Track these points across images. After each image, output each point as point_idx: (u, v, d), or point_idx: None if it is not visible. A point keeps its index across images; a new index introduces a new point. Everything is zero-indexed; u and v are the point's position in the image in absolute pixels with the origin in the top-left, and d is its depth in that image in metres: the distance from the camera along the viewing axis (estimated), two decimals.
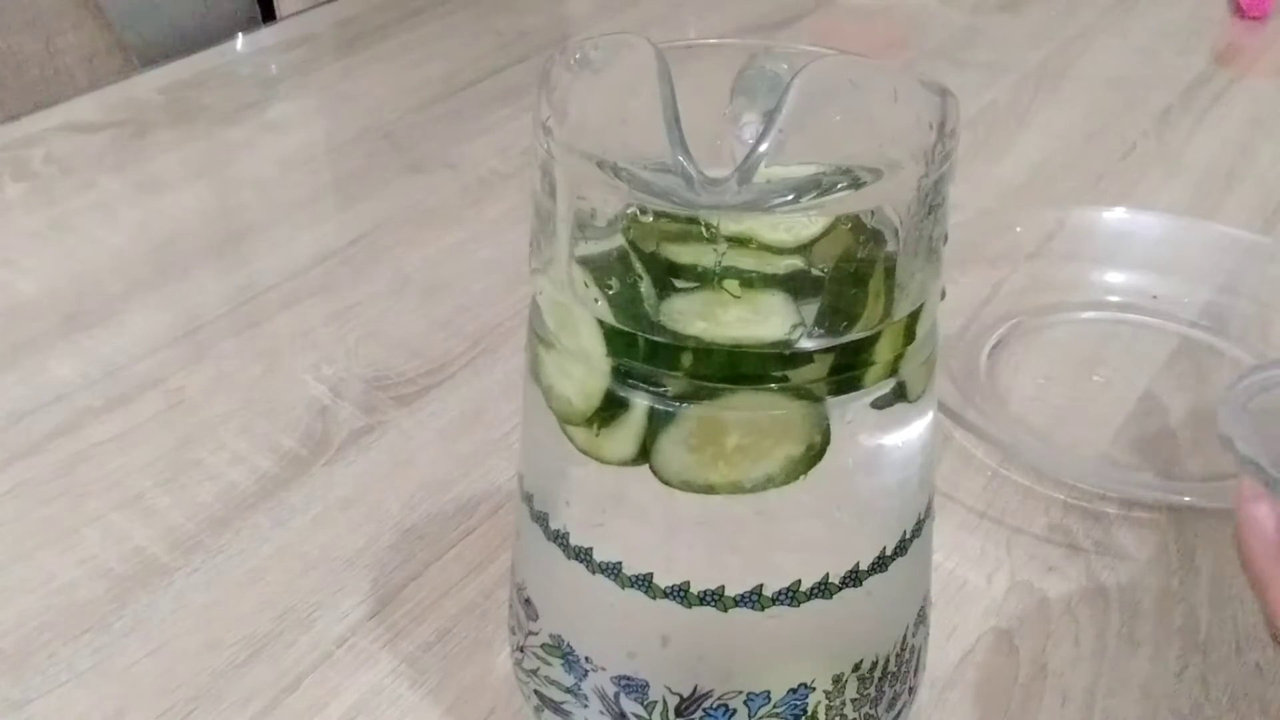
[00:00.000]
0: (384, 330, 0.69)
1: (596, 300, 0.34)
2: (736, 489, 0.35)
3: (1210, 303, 0.69)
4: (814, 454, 0.35)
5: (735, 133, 0.36)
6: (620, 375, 0.34)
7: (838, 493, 0.36)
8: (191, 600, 0.52)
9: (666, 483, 0.35)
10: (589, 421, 0.36)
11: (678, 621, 0.37)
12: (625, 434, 0.35)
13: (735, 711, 0.38)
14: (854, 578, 0.37)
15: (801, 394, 0.34)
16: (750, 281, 0.33)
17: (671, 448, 0.34)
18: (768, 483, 0.35)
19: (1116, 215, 0.74)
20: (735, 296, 0.33)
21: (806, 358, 0.33)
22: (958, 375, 0.63)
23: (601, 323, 0.34)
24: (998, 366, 0.65)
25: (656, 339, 0.33)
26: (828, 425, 0.35)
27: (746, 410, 0.34)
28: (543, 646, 0.40)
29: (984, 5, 1.13)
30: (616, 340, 0.34)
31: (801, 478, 0.35)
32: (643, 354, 0.34)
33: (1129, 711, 0.47)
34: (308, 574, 0.53)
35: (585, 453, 0.36)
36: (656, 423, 0.34)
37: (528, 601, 0.41)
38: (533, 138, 0.34)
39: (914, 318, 0.35)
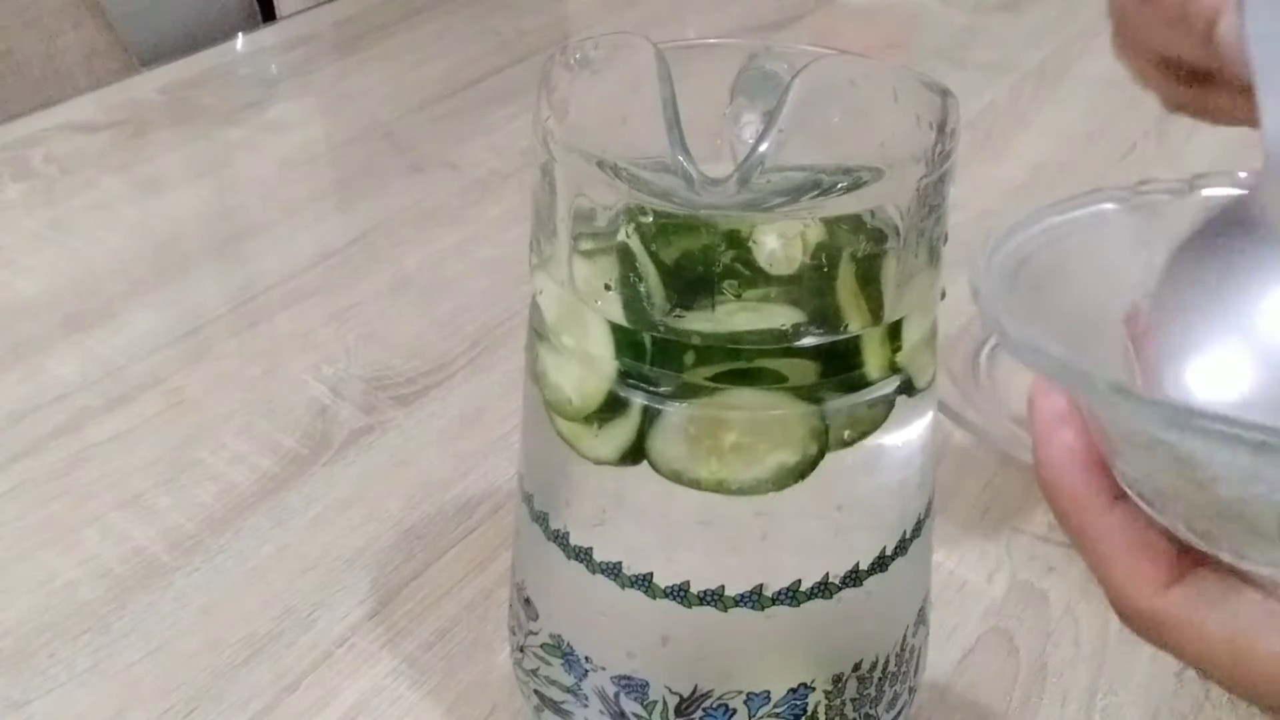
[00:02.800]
0: (384, 330, 0.69)
1: (598, 300, 0.34)
2: (722, 488, 0.35)
3: None
4: (807, 464, 0.35)
5: (735, 133, 0.36)
6: (621, 375, 0.34)
7: (838, 493, 0.36)
8: (191, 600, 0.52)
9: (657, 470, 0.35)
10: (588, 420, 0.36)
11: (678, 621, 0.37)
12: (622, 433, 0.35)
13: (735, 711, 0.38)
14: (854, 578, 0.37)
15: (802, 394, 0.34)
16: (751, 280, 0.33)
17: (669, 437, 0.34)
18: (756, 487, 0.35)
19: None
20: (736, 296, 0.33)
21: (808, 355, 0.33)
22: (958, 375, 0.63)
23: (608, 323, 0.34)
24: (998, 366, 0.65)
25: (658, 337, 0.33)
26: (826, 432, 0.34)
27: (748, 409, 0.34)
28: (543, 646, 0.40)
29: (984, 5, 1.13)
30: (621, 339, 0.34)
31: (791, 486, 0.35)
32: (646, 352, 0.34)
33: (1129, 711, 0.47)
34: (308, 574, 0.53)
35: (583, 455, 0.36)
36: (654, 421, 0.34)
37: (528, 601, 0.41)
38: (533, 138, 0.35)
39: (914, 317, 0.35)
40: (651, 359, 0.34)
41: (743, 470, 0.34)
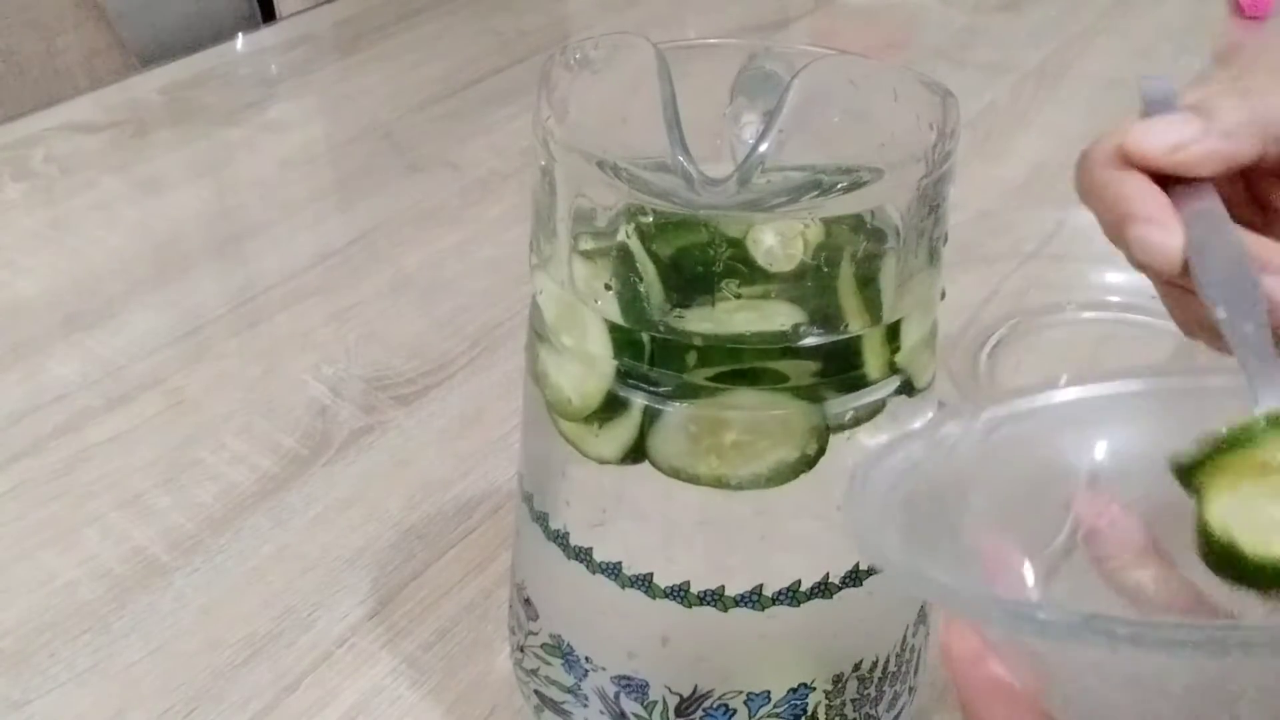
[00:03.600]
0: (384, 330, 0.69)
1: (597, 300, 0.34)
2: (721, 484, 0.35)
3: None
4: (806, 462, 0.35)
5: (735, 133, 0.36)
6: (621, 375, 0.34)
7: (837, 492, 0.36)
8: (191, 600, 0.52)
9: (657, 466, 0.35)
10: (589, 420, 0.36)
11: (678, 621, 0.37)
12: (623, 433, 0.35)
13: (735, 711, 0.38)
14: (854, 578, 0.37)
15: (802, 394, 0.34)
16: (750, 280, 0.33)
17: (669, 435, 0.34)
18: (754, 482, 0.35)
19: None
20: (735, 296, 0.33)
21: (808, 355, 0.33)
22: (958, 375, 0.63)
23: (608, 323, 0.34)
24: (998, 366, 0.65)
25: (658, 337, 0.33)
26: (826, 431, 0.34)
27: (748, 409, 0.34)
28: (543, 646, 0.40)
29: (984, 5, 1.12)
30: (620, 339, 0.34)
31: (790, 481, 0.35)
32: (646, 352, 0.34)
33: None
34: (308, 574, 0.53)
35: (585, 454, 0.36)
36: (654, 419, 0.34)
37: (528, 601, 0.41)
38: (533, 138, 0.35)
39: (914, 317, 0.35)
40: (651, 359, 0.34)
41: (742, 466, 0.34)
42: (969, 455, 0.32)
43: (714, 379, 0.34)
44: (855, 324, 0.34)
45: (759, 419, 0.34)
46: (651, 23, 1.09)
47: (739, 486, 0.35)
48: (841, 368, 0.34)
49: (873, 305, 0.34)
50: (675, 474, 0.35)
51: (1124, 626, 0.22)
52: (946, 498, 0.31)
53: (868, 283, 0.34)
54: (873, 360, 0.35)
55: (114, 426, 0.62)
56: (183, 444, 0.60)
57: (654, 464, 0.35)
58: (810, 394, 0.34)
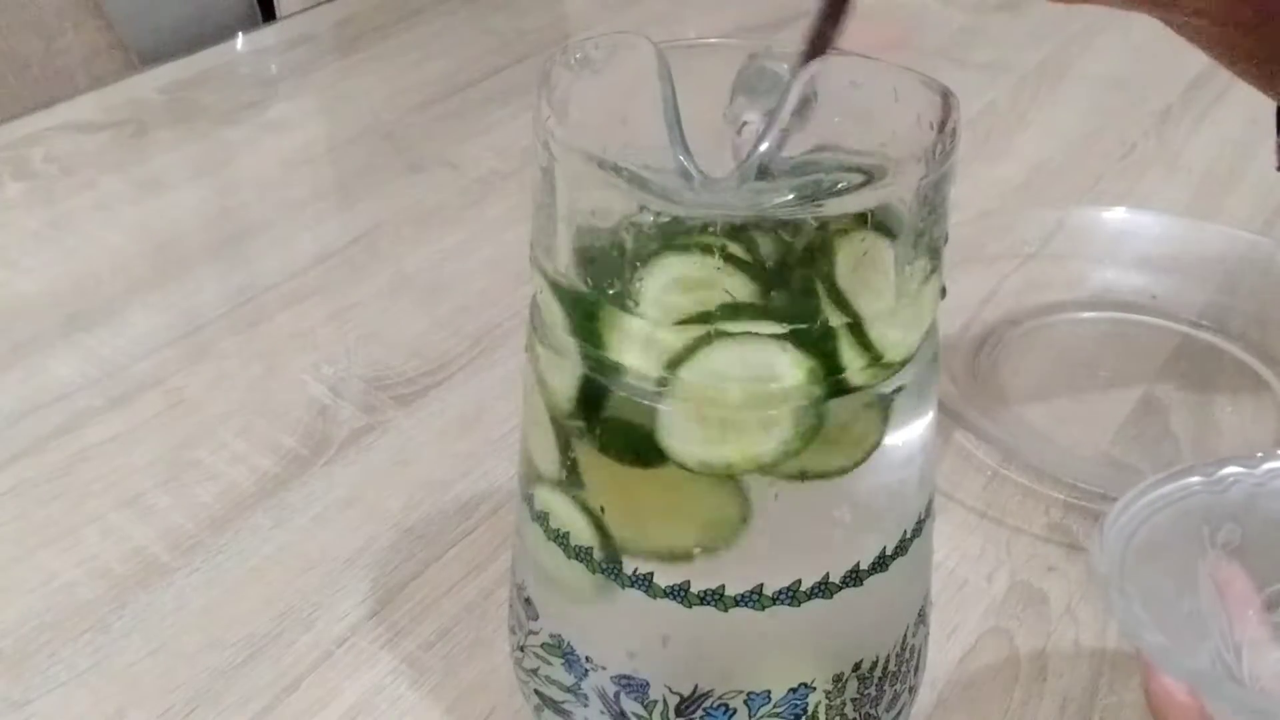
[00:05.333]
0: (384, 330, 0.69)
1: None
2: (755, 464, 0.34)
3: (1210, 303, 0.69)
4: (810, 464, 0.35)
5: (735, 133, 0.36)
6: (618, 375, 0.34)
7: (838, 493, 0.36)
8: (191, 600, 0.52)
9: (684, 467, 0.34)
10: (588, 421, 0.35)
11: (678, 621, 0.37)
12: (623, 435, 0.35)
13: (735, 711, 0.38)
14: (854, 578, 0.37)
15: (802, 393, 0.34)
16: (750, 279, 0.33)
17: (676, 433, 0.34)
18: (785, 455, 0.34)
19: (1116, 215, 0.75)
20: (735, 296, 0.33)
21: (807, 354, 0.33)
22: (958, 375, 0.63)
23: (607, 323, 0.34)
24: (998, 366, 0.65)
25: (657, 336, 0.33)
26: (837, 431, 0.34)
27: (747, 409, 0.34)
28: (543, 646, 0.40)
29: (984, 5, 1.12)
30: (619, 339, 0.34)
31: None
32: (645, 352, 0.34)
33: (1129, 712, 0.47)
34: (308, 574, 0.53)
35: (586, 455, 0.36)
36: (656, 419, 0.34)
37: (528, 601, 0.41)
38: (533, 138, 0.35)
39: (914, 317, 0.35)
40: (650, 358, 0.34)
41: (763, 440, 0.34)
42: (1238, 494, 0.39)
43: (714, 378, 0.34)
44: (855, 323, 0.34)
45: (758, 418, 0.34)
46: (651, 23, 1.09)
47: (775, 462, 0.34)
48: (840, 367, 0.34)
49: (872, 304, 0.34)
50: (705, 469, 0.35)
51: None
52: (1202, 526, 0.39)
53: (867, 282, 0.34)
54: (872, 360, 0.35)
55: (114, 426, 0.62)
56: (183, 444, 0.60)
57: (682, 465, 0.35)
58: (810, 393, 0.34)
